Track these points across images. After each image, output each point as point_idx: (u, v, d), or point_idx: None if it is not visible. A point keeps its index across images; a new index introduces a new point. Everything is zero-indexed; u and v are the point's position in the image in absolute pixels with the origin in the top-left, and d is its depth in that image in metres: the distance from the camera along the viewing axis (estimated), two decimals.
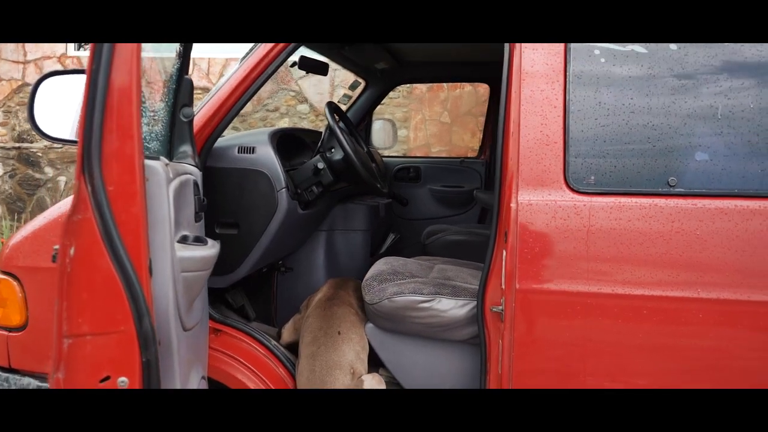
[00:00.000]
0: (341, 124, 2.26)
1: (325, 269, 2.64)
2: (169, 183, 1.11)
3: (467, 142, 5.65)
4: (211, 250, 1.21)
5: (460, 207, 3.74)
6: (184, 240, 1.19)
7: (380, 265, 2.22)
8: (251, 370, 1.93)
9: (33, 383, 2.02)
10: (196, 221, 1.37)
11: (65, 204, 2.00)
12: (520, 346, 1.72)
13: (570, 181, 1.70)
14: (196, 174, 1.46)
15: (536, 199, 1.71)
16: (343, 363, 1.93)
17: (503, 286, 1.75)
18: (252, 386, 1.91)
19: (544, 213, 1.70)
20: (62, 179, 6.46)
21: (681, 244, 1.64)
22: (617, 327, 1.67)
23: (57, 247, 1.03)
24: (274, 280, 2.62)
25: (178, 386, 1.13)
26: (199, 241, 1.21)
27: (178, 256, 1.11)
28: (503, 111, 1.80)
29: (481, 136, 4.09)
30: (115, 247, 0.97)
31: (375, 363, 2.13)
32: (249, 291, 2.54)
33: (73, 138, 1.43)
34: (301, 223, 2.27)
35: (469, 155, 5.25)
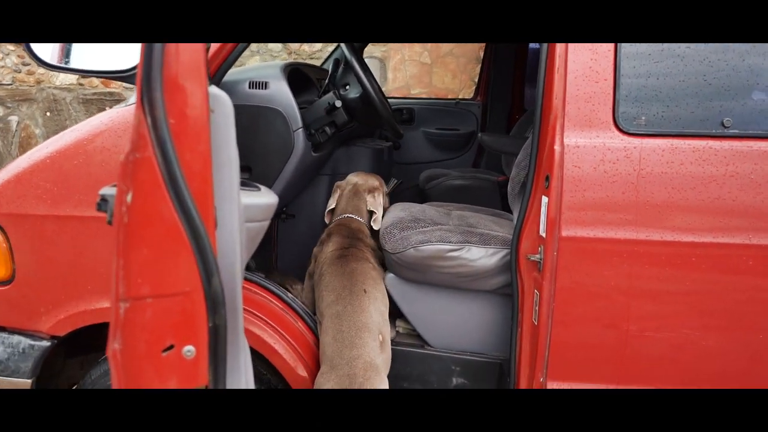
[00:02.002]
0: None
1: None
2: (233, 115, 0.94)
3: (448, 84, 5.47)
4: (270, 197, 1.05)
5: (456, 150, 3.61)
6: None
7: (397, 212, 2.09)
8: (269, 324, 1.80)
9: (24, 342, 1.85)
10: None
11: (53, 143, 1.78)
12: (561, 296, 1.63)
13: (620, 122, 1.59)
14: None
15: (584, 141, 1.59)
16: (371, 325, 1.81)
17: (543, 234, 1.64)
18: (270, 341, 1.78)
19: (592, 156, 1.59)
20: (13, 119, 6.02)
21: (734, 188, 1.56)
22: (665, 275, 1.59)
23: (103, 192, 0.86)
24: (274, 227, 2.46)
25: (241, 350, 0.99)
26: (246, 185, 1.04)
27: (243, 204, 0.95)
28: (547, 45, 1.66)
29: (476, 76, 3.93)
30: (180, 193, 0.80)
31: (393, 314, 2.03)
32: None
33: (79, 66, 1.23)
34: (311, 167, 2.10)
35: (450, 97, 5.09)
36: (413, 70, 5.53)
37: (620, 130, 1.59)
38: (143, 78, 0.80)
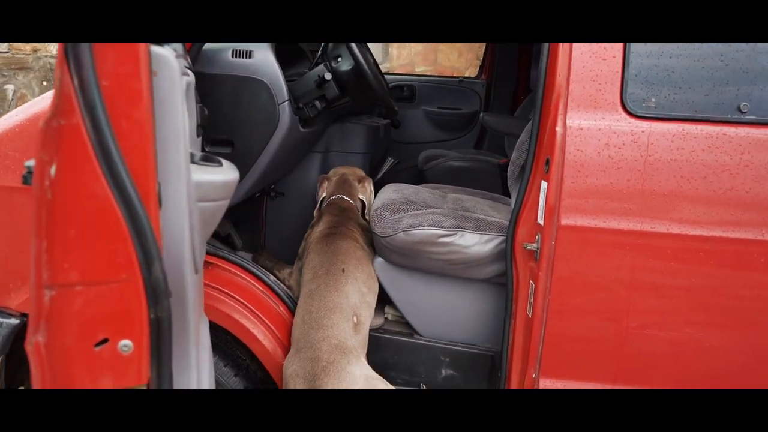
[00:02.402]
0: None
1: None
2: (182, 80, 0.83)
3: (453, 62, 5.33)
4: (230, 173, 0.94)
5: (457, 130, 3.49)
6: (191, 159, 0.92)
7: (389, 193, 1.98)
8: (248, 308, 1.70)
9: None
10: (197, 135, 1.10)
11: (23, 110, 1.67)
12: (557, 288, 1.53)
13: (627, 103, 1.48)
14: (192, 77, 1.17)
15: (588, 123, 1.48)
16: (344, 306, 1.71)
17: (541, 222, 1.54)
18: (249, 325, 1.69)
19: (597, 139, 1.47)
20: (9, 87, 5.90)
21: (749, 179, 1.45)
22: (670, 270, 1.49)
23: (29, 163, 0.75)
24: (262, 206, 2.36)
25: (191, 346, 0.89)
26: (209, 161, 0.93)
27: (194, 181, 0.85)
28: None
29: (482, 55, 3.79)
30: (113, 166, 0.70)
31: (382, 300, 1.93)
32: (235, 218, 2.28)
33: None
34: (300, 143, 1.99)
35: (455, 75, 4.95)
36: (418, 48, 5.39)
37: (628, 113, 1.48)
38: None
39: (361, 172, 2.22)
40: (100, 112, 0.69)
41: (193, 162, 0.88)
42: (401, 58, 5.41)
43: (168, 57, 0.80)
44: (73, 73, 0.68)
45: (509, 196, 2.31)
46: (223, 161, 0.96)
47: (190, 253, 0.84)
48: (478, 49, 5.14)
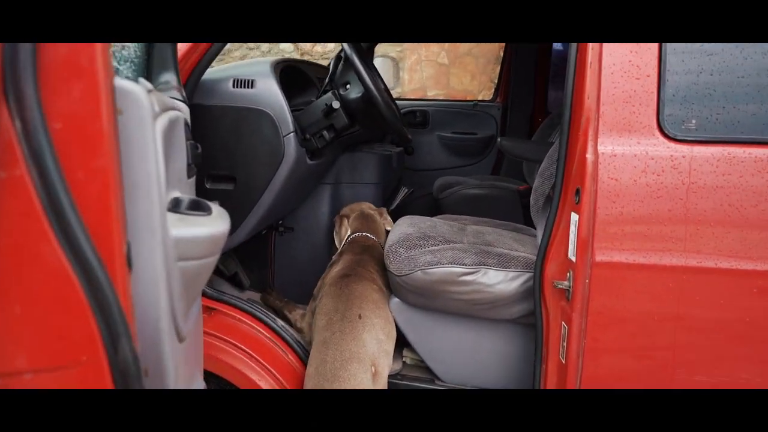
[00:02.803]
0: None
1: (330, 228, 2.25)
2: (155, 119, 0.71)
3: (466, 85, 5.22)
4: (219, 224, 0.80)
5: (472, 156, 3.36)
6: (176, 206, 0.79)
7: (404, 227, 1.85)
8: (253, 357, 1.57)
9: None
10: (188, 176, 0.97)
11: None
12: (593, 332, 1.38)
13: (665, 126, 1.34)
14: (185, 111, 1.05)
15: (622, 149, 1.34)
16: (362, 355, 1.57)
17: (572, 257, 1.39)
18: (255, 377, 1.55)
19: (632, 166, 1.34)
20: None
21: None
22: (720, 309, 1.33)
23: None
24: (270, 242, 2.23)
25: None
26: (198, 208, 0.81)
27: (173, 237, 0.72)
28: None
29: (496, 77, 3.67)
30: (67, 226, 0.57)
31: (400, 343, 1.79)
32: (242, 255, 2.16)
33: None
34: (308, 176, 1.87)
35: (469, 99, 4.83)
36: (430, 71, 5.29)
37: (666, 136, 1.34)
38: (4, 58, 0.57)
39: (380, 207, 2.11)
40: (49, 161, 0.57)
41: (175, 211, 0.76)
42: (413, 83, 5.32)
43: (137, 93, 0.67)
44: (14, 115, 0.56)
45: (532, 226, 2.17)
46: (214, 208, 0.83)
47: (170, 323, 0.71)
48: (492, 71, 5.04)
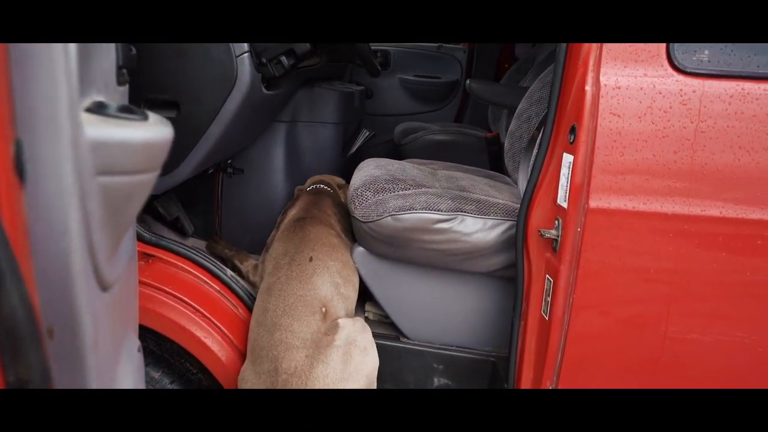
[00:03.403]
0: None
1: (284, 171, 2.04)
2: None
3: None
4: (157, 129, 0.59)
5: (436, 101, 3.17)
6: (99, 109, 0.58)
7: (371, 169, 1.66)
8: (198, 311, 1.37)
9: None
10: (119, 83, 0.75)
11: None
12: (583, 286, 1.25)
13: (675, 56, 1.18)
14: None
15: (626, 81, 1.19)
16: (309, 297, 1.39)
17: (563, 204, 1.25)
18: (200, 334, 1.36)
19: (637, 101, 1.18)
20: None
21: None
22: (722, 263, 1.22)
23: None
24: (218, 185, 2.01)
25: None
26: (129, 112, 0.60)
27: (90, 139, 0.51)
28: None
29: None
30: None
31: (362, 297, 1.62)
32: (185, 198, 1.93)
33: None
34: (262, 108, 1.65)
35: None
36: None
37: (675, 68, 1.19)
38: None
39: (340, 180, 1.92)
40: None
41: (95, 112, 0.55)
42: None
43: None
44: None
45: (503, 173, 2.02)
46: (151, 115, 0.63)
47: (85, 261, 0.51)
48: None
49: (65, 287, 0.50)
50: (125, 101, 0.86)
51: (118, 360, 0.66)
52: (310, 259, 1.46)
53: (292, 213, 1.64)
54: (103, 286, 0.58)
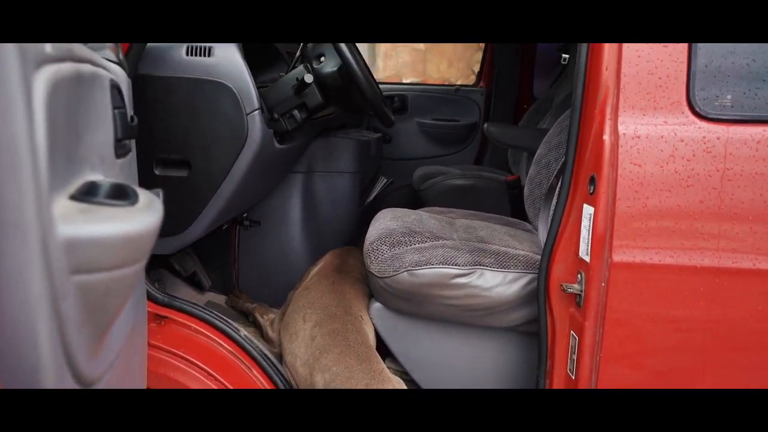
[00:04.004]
0: None
1: (301, 222, 2.02)
2: (39, 65, 0.46)
3: (443, 72, 5.01)
4: (142, 217, 0.57)
5: (454, 145, 3.15)
6: (88, 193, 0.55)
7: (387, 221, 1.62)
8: (211, 375, 1.33)
9: None
10: (117, 156, 0.74)
11: None
12: (610, 343, 1.18)
13: (696, 102, 1.14)
14: (118, 75, 0.81)
15: (646, 130, 1.14)
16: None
17: (585, 257, 1.19)
18: None
19: (658, 150, 1.14)
20: None
21: None
22: (760, 316, 1.15)
23: None
24: (234, 238, 1.99)
25: None
26: (121, 195, 0.57)
27: (63, 237, 0.48)
28: None
29: (475, 65, 3.46)
30: None
31: (381, 353, 1.57)
32: (201, 252, 1.91)
33: None
34: (276, 162, 1.64)
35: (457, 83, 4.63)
36: (405, 57, 5.07)
37: (697, 114, 1.14)
38: None
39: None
40: None
41: (82, 199, 0.53)
42: (387, 70, 5.09)
43: None
44: None
45: (523, 219, 1.97)
46: (144, 195, 0.60)
47: (60, 369, 0.48)
48: (470, 57, 4.83)
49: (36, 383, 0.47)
50: (130, 172, 0.84)
51: None
52: (361, 317, 1.51)
53: (320, 265, 1.65)
54: (89, 384, 0.55)
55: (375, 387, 1.32)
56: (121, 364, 0.71)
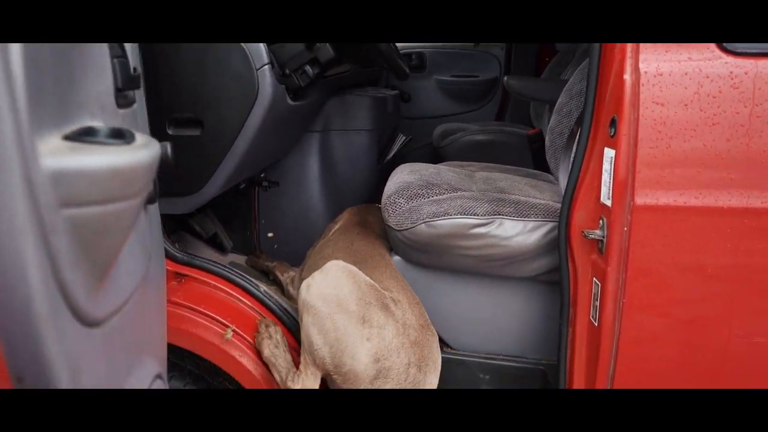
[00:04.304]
0: None
1: (320, 181, 2.01)
2: None
3: None
4: (133, 152, 0.56)
5: (475, 101, 3.09)
6: (84, 134, 0.55)
7: (404, 174, 1.60)
8: (233, 330, 1.34)
9: None
10: (119, 106, 0.73)
11: None
12: (634, 289, 1.16)
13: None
14: None
15: (669, 67, 1.09)
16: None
17: (606, 202, 1.16)
18: (235, 353, 1.33)
19: (682, 87, 1.09)
20: None
21: None
22: None
23: None
24: (254, 199, 1.99)
25: None
26: (118, 137, 0.57)
27: (49, 169, 0.48)
28: None
29: None
30: None
31: None
32: (222, 214, 1.92)
33: None
34: (290, 120, 1.62)
35: None
36: None
37: (723, 49, 1.09)
38: None
39: None
40: None
41: (74, 139, 0.52)
42: None
43: None
44: None
45: (546, 171, 1.94)
46: (141, 137, 0.59)
47: (56, 303, 0.48)
48: None
49: (30, 335, 0.47)
50: (135, 124, 0.83)
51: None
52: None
53: (344, 219, 1.64)
54: (90, 323, 0.55)
55: (428, 333, 1.32)
56: (132, 311, 0.71)
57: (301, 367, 1.24)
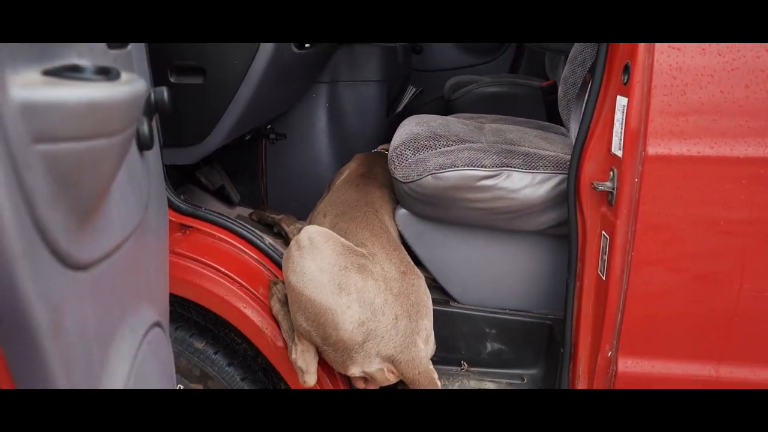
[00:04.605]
0: None
1: (327, 134, 1.98)
2: None
3: None
4: (118, 87, 0.53)
5: (488, 53, 3.01)
6: (69, 71, 0.52)
7: (412, 126, 1.57)
8: (236, 282, 1.34)
9: None
10: (110, 47, 0.70)
11: None
12: (643, 243, 1.13)
13: None
14: None
15: None
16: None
17: (618, 152, 1.13)
18: (240, 304, 1.33)
19: None
20: None
21: None
22: None
23: None
24: (261, 151, 1.97)
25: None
26: (103, 73, 0.54)
27: (19, 102, 0.47)
28: None
29: None
30: None
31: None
32: (229, 167, 1.90)
33: None
34: (295, 68, 1.58)
35: None
36: None
37: None
38: None
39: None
40: None
41: (55, 74, 0.49)
42: None
43: None
44: None
45: (560, 123, 1.89)
46: (126, 75, 0.57)
47: (32, 242, 0.46)
48: None
49: (6, 271, 0.46)
50: (128, 66, 0.81)
51: (111, 340, 0.63)
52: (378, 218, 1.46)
53: (350, 168, 1.64)
54: (76, 266, 0.54)
55: (412, 277, 1.29)
56: (126, 258, 0.70)
57: (296, 339, 1.25)
